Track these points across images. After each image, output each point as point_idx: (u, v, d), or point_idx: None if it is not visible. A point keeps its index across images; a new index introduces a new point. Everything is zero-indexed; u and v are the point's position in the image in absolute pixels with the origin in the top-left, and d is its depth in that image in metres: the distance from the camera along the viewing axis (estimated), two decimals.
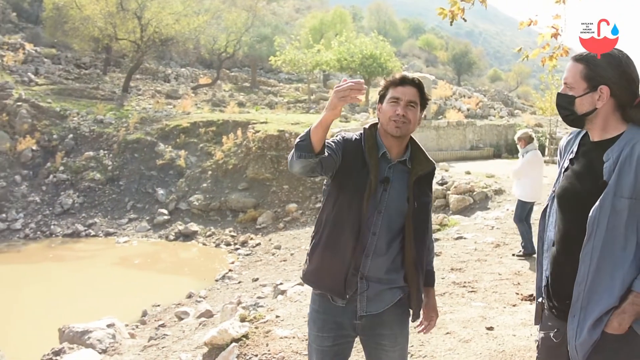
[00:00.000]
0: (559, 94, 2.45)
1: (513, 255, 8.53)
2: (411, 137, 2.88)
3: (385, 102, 2.80)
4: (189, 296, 12.63)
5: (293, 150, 2.58)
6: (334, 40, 35.30)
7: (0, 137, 21.05)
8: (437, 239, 10.10)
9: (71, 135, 22.17)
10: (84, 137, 22.36)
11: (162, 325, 9.92)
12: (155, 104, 28.11)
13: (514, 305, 6.16)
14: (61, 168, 20.75)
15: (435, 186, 14.24)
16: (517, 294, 6.57)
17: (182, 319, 10.06)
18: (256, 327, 5.64)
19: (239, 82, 40.88)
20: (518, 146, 8.88)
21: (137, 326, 10.58)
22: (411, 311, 2.92)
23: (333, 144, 2.75)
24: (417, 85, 2.80)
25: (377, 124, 2.90)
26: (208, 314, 8.75)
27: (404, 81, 2.79)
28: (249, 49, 39.87)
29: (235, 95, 34.75)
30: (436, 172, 12.92)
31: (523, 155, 8.74)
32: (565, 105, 2.41)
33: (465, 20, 5.71)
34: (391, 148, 2.83)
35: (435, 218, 11.97)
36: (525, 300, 6.30)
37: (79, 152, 21.64)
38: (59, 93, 26.84)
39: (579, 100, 2.36)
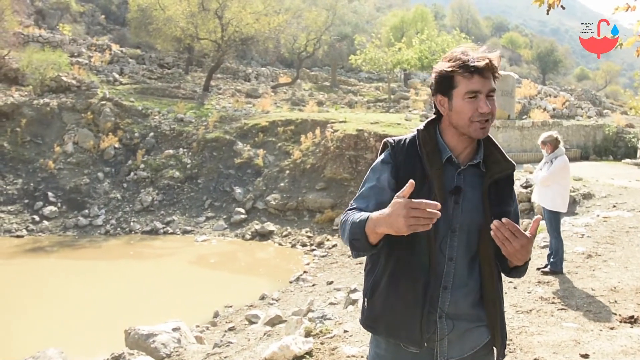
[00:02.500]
0: None
1: (537, 269, 7.77)
2: None
3: (459, 98, 2.18)
4: (262, 298, 12.42)
5: (346, 237, 2.19)
6: (415, 38, 34.57)
7: (85, 135, 21.60)
8: None
9: (152, 134, 22.51)
10: (164, 135, 22.66)
11: (232, 329, 9.70)
12: (235, 103, 28.24)
13: (611, 329, 5.45)
14: (142, 166, 21.08)
15: (518, 189, 13.47)
16: (615, 314, 5.85)
17: (252, 322, 9.82)
18: (321, 343, 5.20)
19: (319, 81, 40.71)
20: (543, 151, 8.12)
21: (207, 327, 10.44)
22: (495, 350, 2.35)
23: (383, 172, 2.29)
24: (494, 68, 2.19)
25: (434, 120, 2.34)
26: (277, 320, 8.44)
27: (482, 69, 2.15)
28: (329, 48, 39.74)
29: (315, 95, 34.56)
30: (520, 174, 12.05)
31: (552, 161, 7.97)
32: None
33: (564, 8, 5.15)
34: (460, 150, 2.27)
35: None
36: (625, 322, 5.58)
37: (159, 150, 21.94)
38: (141, 92, 27.45)
39: None
